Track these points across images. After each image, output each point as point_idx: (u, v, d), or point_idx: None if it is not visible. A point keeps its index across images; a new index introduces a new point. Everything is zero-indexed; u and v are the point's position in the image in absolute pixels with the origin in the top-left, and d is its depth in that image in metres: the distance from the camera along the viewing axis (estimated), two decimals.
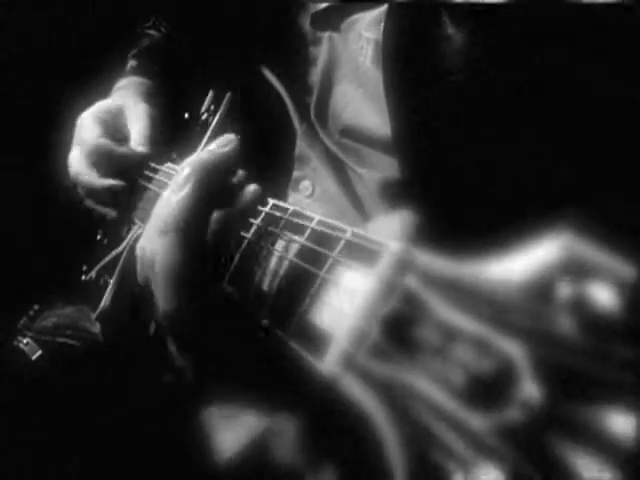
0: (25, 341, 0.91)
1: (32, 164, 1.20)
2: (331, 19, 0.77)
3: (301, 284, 0.43)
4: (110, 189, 0.84)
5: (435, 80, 0.61)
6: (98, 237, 0.97)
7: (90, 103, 0.92)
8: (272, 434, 0.55)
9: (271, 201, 0.52)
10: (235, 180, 0.53)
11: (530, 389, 0.28)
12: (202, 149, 0.58)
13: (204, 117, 0.93)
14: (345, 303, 0.38)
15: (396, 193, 0.69)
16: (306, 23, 0.80)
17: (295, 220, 0.48)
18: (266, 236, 0.50)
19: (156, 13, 1.18)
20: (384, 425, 0.33)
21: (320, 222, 0.45)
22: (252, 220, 0.51)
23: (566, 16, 0.51)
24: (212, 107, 0.93)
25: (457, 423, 0.30)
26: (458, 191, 0.56)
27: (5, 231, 1.21)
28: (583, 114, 0.50)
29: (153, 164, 0.82)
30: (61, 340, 0.91)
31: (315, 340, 0.39)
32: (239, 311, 0.50)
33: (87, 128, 0.88)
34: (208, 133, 0.87)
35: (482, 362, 0.31)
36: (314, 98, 0.79)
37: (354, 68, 0.74)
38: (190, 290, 0.48)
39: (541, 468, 0.27)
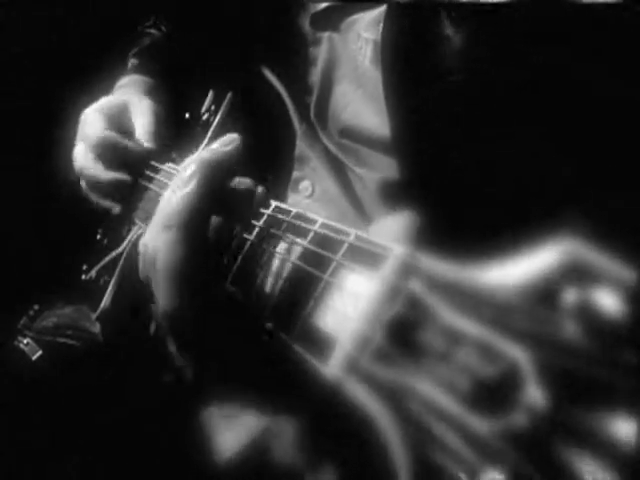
0: (25, 341, 0.91)
1: (32, 164, 1.20)
2: (331, 19, 0.77)
3: (304, 287, 0.43)
4: (115, 182, 0.84)
5: (434, 80, 0.61)
6: (98, 237, 0.96)
7: (91, 102, 0.91)
8: (272, 434, 0.55)
9: (273, 203, 0.52)
10: (238, 182, 0.53)
11: (535, 394, 0.28)
12: (203, 149, 0.58)
13: (205, 117, 0.93)
14: (349, 307, 0.38)
15: (396, 193, 0.70)
16: (306, 23, 0.80)
17: (298, 223, 0.48)
18: (268, 238, 0.50)
19: (156, 13, 1.18)
20: (388, 429, 0.33)
21: (323, 225, 0.45)
22: (254, 222, 0.51)
23: (566, 16, 0.51)
24: (213, 107, 0.93)
25: (461, 427, 0.30)
26: (458, 191, 0.56)
27: (5, 231, 1.21)
28: (583, 114, 0.50)
29: (154, 164, 0.81)
30: (61, 340, 0.91)
31: (319, 343, 0.39)
32: (241, 311, 0.50)
33: (91, 123, 0.87)
34: (209, 133, 0.87)
35: (487, 366, 0.31)
36: (314, 98, 0.79)
37: (353, 68, 0.74)
38: (192, 287, 0.48)
39: (546, 473, 0.27)
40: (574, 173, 0.49)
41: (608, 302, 0.28)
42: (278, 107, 0.83)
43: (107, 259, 0.89)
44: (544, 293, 0.30)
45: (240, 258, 0.51)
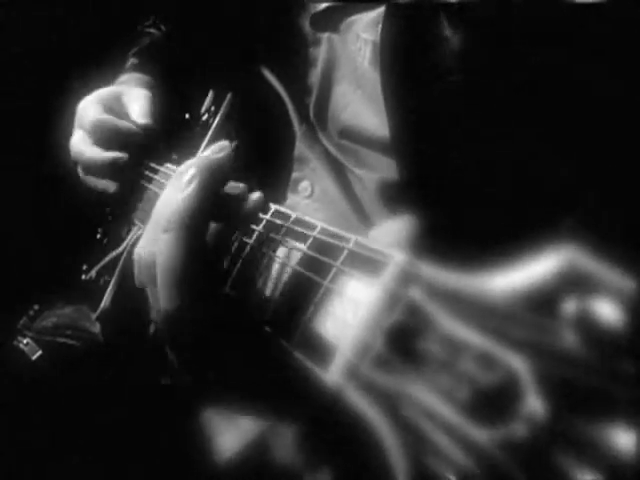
0: (25, 341, 0.91)
1: (32, 164, 1.20)
2: (331, 20, 0.77)
3: (304, 292, 0.43)
4: (113, 160, 0.84)
5: (433, 81, 0.61)
6: (98, 237, 0.96)
7: None
8: (272, 434, 0.55)
9: (273, 207, 0.51)
10: (231, 187, 0.53)
11: (534, 404, 0.29)
12: (203, 150, 0.58)
13: (204, 118, 0.93)
14: (349, 313, 0.38)
15: (395, 194, 0.70)
16: (306, 24, 0.80)
17: (297, 228, 0.48)
18: (268, 242, 0.50)
19: (156, 13, 1.18)
20: (387, 436, 0.33)
21: (323, 230, 0.45)
22: (254, 226, 0.51)
23: (565, 16, 0.51)
24: (212, 108, 0.93)
25: (460, 436, 0.30)
26: (457, 191, 0.56)
27: (5, 231, 1.21)
28: (582, 114, 0.50)
29: (153, 164, 0.82)
30: (61, 340, 0.91)
31: (319, 350, 0.39)
32: (241, 314, 0.50)
33: (88, 111, 0.88)
34: (209, 134, 0.87)
35: (486, 376, 0.31)
36: (313, 99, 0.79)
37: (353, 69, 0.74)
38: (192, 289, 0.48)
39: None
40: (573, 173, 0.49)
41: (608, 311, 0.28)
42: (278, 108, 0.83)
43: (107, 259, 0.89)
44: (544, 302, 0.30)
45: (240, 262, 0.51)
